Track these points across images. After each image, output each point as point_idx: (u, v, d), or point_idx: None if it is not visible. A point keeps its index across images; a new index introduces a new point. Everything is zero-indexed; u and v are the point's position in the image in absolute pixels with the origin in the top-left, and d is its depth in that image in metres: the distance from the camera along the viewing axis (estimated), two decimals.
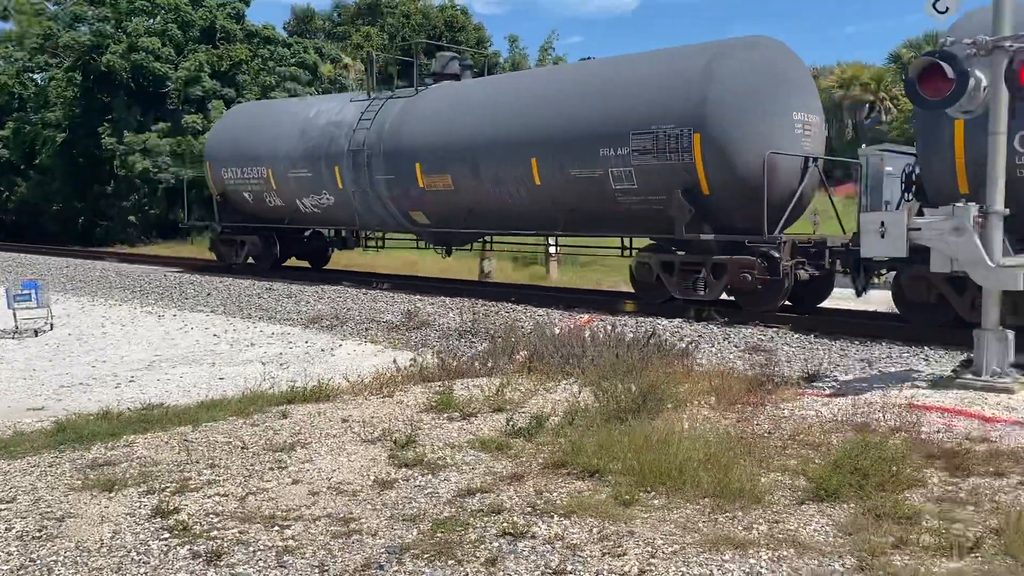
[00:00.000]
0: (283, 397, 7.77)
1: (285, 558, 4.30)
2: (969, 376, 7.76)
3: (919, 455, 5.63)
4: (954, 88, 7.44)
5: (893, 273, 10.79)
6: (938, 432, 6.33)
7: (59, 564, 4.27)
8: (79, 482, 5.49)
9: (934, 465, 5.51)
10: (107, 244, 37.34)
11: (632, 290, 14.08)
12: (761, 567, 4.10)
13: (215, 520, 4.82)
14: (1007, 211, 7.72)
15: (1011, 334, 7.77)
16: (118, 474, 5.62)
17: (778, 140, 12.00)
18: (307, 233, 20.95)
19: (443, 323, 12.64)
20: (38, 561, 4.30)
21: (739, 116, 11.82)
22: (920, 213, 8.28)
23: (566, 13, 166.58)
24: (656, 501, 5.00)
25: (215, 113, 39.13)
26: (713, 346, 10.39)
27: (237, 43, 41.81)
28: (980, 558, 4.14)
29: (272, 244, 20.19)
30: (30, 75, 45.78)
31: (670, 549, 4.32)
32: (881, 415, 6.67)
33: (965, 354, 8.46)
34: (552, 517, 4.77)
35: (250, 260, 20.56)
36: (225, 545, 4.45)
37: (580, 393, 7.67)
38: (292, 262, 21.46)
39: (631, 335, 9.44)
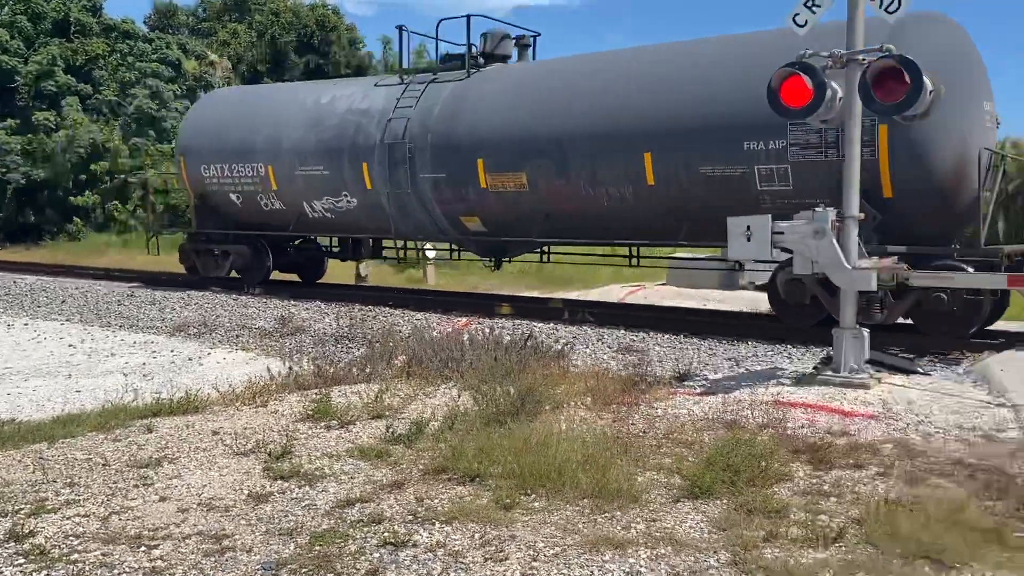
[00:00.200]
0: (148, 410, 7.39)
1: None
2: (829, 373, 8.16)
3: (786, 450, 5.87)
4: (812, 98, 7.84)
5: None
6: (802, 427, 6.61)
7: None
8: None
9: (799, 459, 5.75)
10: None
11: (773, 311, 11.80)
12: (640, 566, 4.17)
13: (75, 542, 4.53)
14: (862, 216, 8.22)
15: (867, 332, 8.22)
16: None
17: (977, 134, 10.33)
18: (298, 241, 17.94)
19: (318, 328, 12.37)
20: None
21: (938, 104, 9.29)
22: None
23: (437, 15, 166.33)
24: (536, 504, 5.02)
25: (69, 110, 37.25)
26: (588, 347, 10.57)
27: (94, 37, 39.91)
28: (844, 547, 4.34)
29: (263, 255, 17.06)
30: None
31: (551, 552, 4.34)
32: (749, 412, 6.91)
33: (825, 351, 8.89)
34: (433, 524, 4.72)
35: (233, 274, 17.36)
36: (87, 568, 4.20)
37: (460, 397, 7.64)
38: (275, 275, 18.21)
39: (508, 337, 9.49)
